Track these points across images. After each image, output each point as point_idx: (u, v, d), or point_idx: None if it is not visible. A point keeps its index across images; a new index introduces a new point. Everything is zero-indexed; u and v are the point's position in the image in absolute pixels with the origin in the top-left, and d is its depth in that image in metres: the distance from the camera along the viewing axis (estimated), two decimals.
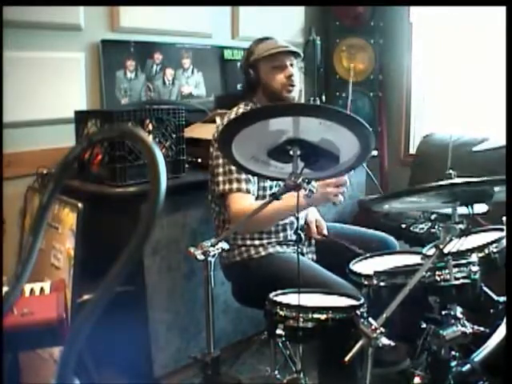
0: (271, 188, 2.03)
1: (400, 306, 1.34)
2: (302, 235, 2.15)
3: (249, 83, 2.09)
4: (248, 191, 1.94)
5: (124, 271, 0.62)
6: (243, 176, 1.93)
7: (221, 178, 1.96)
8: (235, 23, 3.01)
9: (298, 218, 2.08)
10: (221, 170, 1.97)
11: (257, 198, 2.01)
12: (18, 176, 2.21)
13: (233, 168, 1.93)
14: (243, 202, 1.91)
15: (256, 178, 1.97)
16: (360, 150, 1.42)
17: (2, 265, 1.93)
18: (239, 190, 1.93)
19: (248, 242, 2.04)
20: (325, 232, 2.18)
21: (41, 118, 2.28)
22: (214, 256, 1.57)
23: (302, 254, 2.12)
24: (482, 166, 2.53)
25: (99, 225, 2.02)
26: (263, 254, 2.02)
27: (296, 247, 2.06)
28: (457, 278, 1.50)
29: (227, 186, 1.94)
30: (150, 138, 0.69)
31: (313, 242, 2.18)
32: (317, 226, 2.18)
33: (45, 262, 1.89)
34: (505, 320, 1.64)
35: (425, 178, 1.80)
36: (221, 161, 1.98)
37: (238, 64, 2.20)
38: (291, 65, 2.05)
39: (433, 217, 2.47)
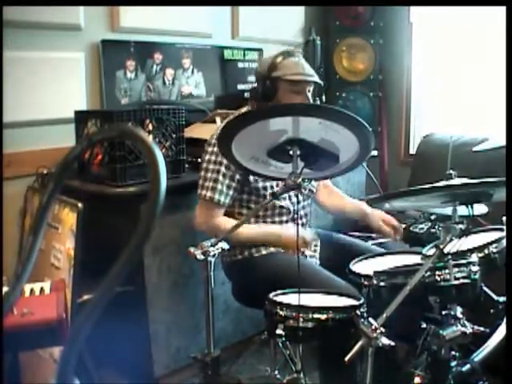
0: (265, 189, 2.04)
1: (400, 306, 1.34)
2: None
3: (263, 94, 2.03)
4: (218, 202, 1.98)
5: (124, 271, 0.62)
6: (218, 186, 1.97)
7: (200, 182, 2.02)
8: (235, 23, 3.01)
9: (298, 221, 2.08)
10: (202, 173, 2.02)
11: (250, 200, 2.04)
12: (18, 176, 2.22)
13: (209, 175, 1.98)
14: (209, 214, 1.99)
15: (234, 191, 2.00)
16: (360, 150, 1.42)
17: (2, 265, 1.93)
18: (211, 199, 1.97)
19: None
20: (398, 226, 2.16)
21: (41, 118, 2.28)
22: (213, 256, 1.58)
23: (305, 256, 2.12)
24: (482, 166, 2.53)
25: (99, 225, 2.02)
26: (264, 252, 2.03)
27: (297, 249, 2.06)
28: (457, 278, 1.50)
29: (200, 191, 2.00)
30: (149, 138, 0.69)
31: (317, 248, 2.17)
32: (388, 224, 2.18)
33: (45, 262, 1.89)
34: (505, 320, 1.64)
35: (425, 177, 1.80)
36: (204, 165, 2.03)
37: (252, 69, 2.21)
38: (309, 90, 2.04)
39: (433, 217, 2.47)
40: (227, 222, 1.98)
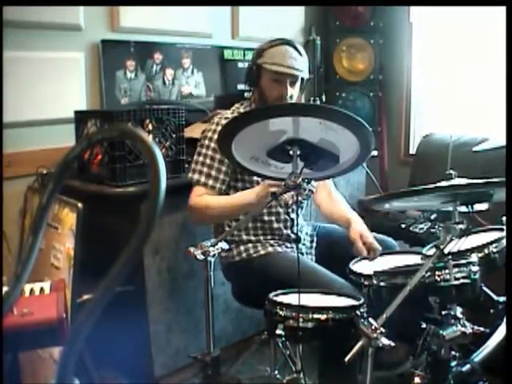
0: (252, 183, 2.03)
1: (400, 306, 1.34)
2: (301, 235, 2.14)
3: (248, 79, 2.08)
4: (206, 185, 1.98)
5: (124, 271, 0.62)
6: (205, 169, 1.99)
7: (192, 166, 2.05)
8: (235, 23, 3.01)
9: (297, 219, 2.08)
10: (194, 157, 2.05)
11: (245, 188, 2.01)
12: (17, 176, 2.21)
13: (200, 159, 2.01)
14: (199, 196, 1.98)
15: (225, 175, 2.00)
16: (360, 150, 1.42)
17: (2, 265, 1.93)
18: (198, 182, 1.99)
19: (245, 240, 2.04)
20: (375, 245, 1.89)
21: (41, 118, 2.28)
22: (213, 256, 1.58)
23: (302, 254, 2.12)
24: (482, 166, 2.53)
25: (99, 225, 2.02)
26: (262, 252, 2.03)
27: (296, 247, 2.06)
28: (457, 278, 1.50)
29: (191, 175, 2.03)
30: (149, 138, 0.69)
31: (313, 244, 2.17)
32: (364, 242, 1.90)
33: (45, 262, 1.89)
34: (505, 320, 1.64)
35: (425, 178, 1.80)
36: (197, 150, 2.06)
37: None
38: (292, 82, 1.99)
39: (433, 217, 2.47)
40: (211, 198, 1.98)
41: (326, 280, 1.82)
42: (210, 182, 1.99)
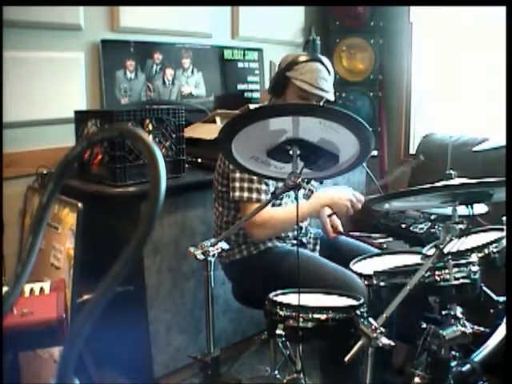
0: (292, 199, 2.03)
1: (400, 306, 1.34)
2: (304, 240, 2.15)
3: (273, 88, 2.05)
4: (260, 201, 1.90)
5: (124, 271, 0.62)
6: (263, 187, 1.91)
7: (237, 184, 1.92)
8: (235, 23, 3.01)
9: (297, 222, 2.08)
10: (238, 175, 1.92)
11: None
12: (18, 176, 2.22)
13: (246, 176, 1.90)
14: (263, 213, 1.85)
15: (271, 185, 1.94)
16: (360, 150, 1.42)
17: (2, 265, 1.93)
18: (259, 200, 1.90)
19: (248, 240, 2.04)
20: (340, 229, 2.16)
21: (41, 118, 2.29)
22: (213, 256, 1.58)
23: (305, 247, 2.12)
24: (482, 166, 2.53)
25: (99, 225, 2.02)
26: (262, 248, 2.02)
27: (296, 245, 2.06)
28: (457, 278, 1.50)
29: (246, 194, 1.91)
30: (149, 138, 0.68)
31: (317, 247, 2.17)
32: (331, 225, 2.14)
33: (45, 262, 1.89)
34: (505, 320, 1.64)
35: (425, 177, 1.80)
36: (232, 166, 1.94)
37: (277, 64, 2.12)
38: (317, 101, 2.00)
39: (433, 217, 2.47)
40: (275, 210, 1.93)
41: (328, 271, 1.83)
42: (263, 197, 1.91)
